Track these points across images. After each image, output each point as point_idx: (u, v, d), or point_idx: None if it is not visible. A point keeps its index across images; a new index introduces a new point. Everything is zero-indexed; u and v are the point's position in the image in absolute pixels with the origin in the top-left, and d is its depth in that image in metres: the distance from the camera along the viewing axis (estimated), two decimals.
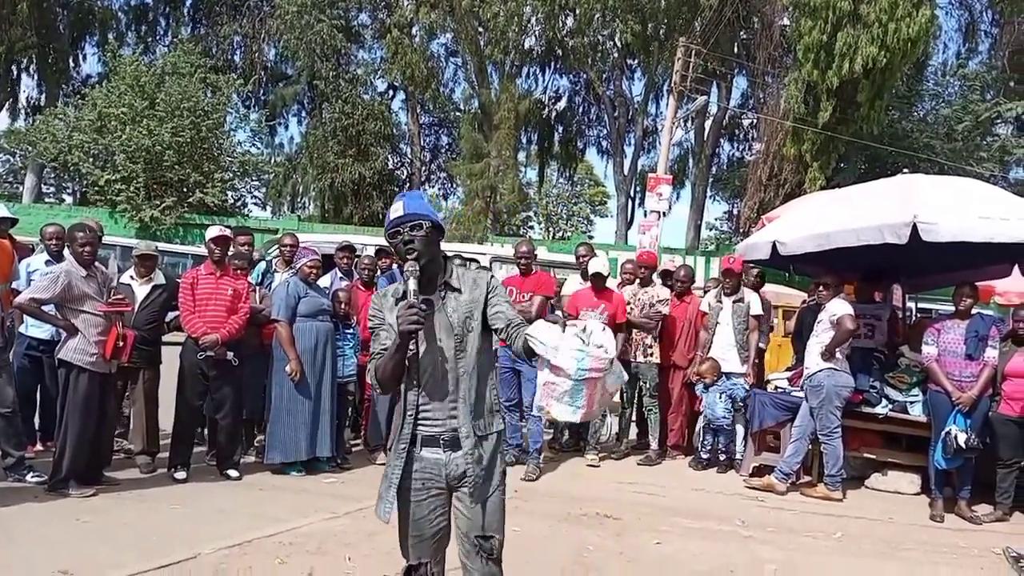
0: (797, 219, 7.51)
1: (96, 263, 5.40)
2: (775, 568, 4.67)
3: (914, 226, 5.96)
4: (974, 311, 6.16)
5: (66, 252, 5.70)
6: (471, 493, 2.59)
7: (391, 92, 29.20)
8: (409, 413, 2.58)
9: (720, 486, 6.74)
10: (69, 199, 29.05)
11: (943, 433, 5.93)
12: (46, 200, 27.05)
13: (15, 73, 23.93)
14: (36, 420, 6.33)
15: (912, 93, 24.36)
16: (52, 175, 26.57)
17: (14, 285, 5.55)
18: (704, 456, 7.30)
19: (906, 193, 6.54)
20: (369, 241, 9.21)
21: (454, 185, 30.96)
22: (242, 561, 4.15)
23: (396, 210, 2.62)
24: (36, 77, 24.97)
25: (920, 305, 13.15)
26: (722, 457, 7.30)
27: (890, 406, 6.79)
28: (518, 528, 5.11)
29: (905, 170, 8.05)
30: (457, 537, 2.66)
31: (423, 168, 29.86)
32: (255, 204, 25.54)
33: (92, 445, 5.23)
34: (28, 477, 5.44)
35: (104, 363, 5.30)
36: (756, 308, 7.30)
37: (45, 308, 5.25)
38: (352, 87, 25.89)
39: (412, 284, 2.50)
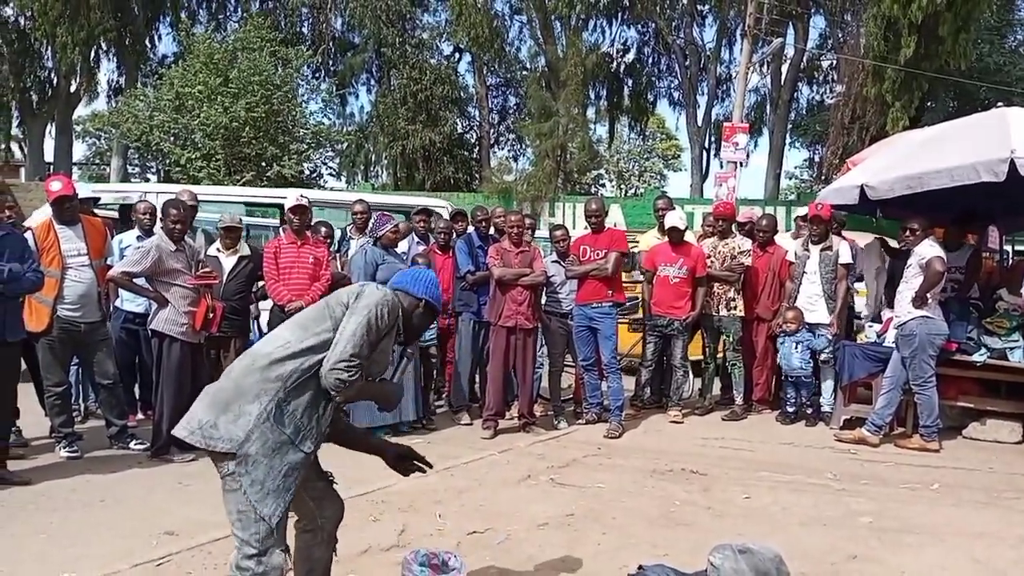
0: (886, 161, 7.21)
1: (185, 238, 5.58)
2: (870, 520, 4.57)
3: (1011, 162, 5.67)
4: None
5: (157, 227, 5.90)
6: None
7: (457, 55, 29.05)
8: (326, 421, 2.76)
9: (809, 440, 6.60)
10: (154, 178, 30.03)
11: None
12: (132, 180, 28.02)
13: (95, 57, 24.65)
14: (136, 390, 6.62)
15: (1003, 23, 22.92)
16: (136, 155, 27.47)
17: (108, 261, 5.77)
18: (791, 409, 7.15)
19: (1001, 128, 6.21)
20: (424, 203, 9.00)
21: (523, 146, 30.73)
22: None
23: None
24: (115, 60, 25.74)
25: (1017, 247, 12.51)
26: (809, 410, 7.14)
27: (988, 354, 6.51)
28: (603, 485, 5.15)
29: (999, 104, 7.62)
30: (304, 487, 2.80)
31: (491, 131, 29.70)
32: (330, 174, 25.96)
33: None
34: (132, 445, 5.72)
35: (194, 333, 5.50)
36: (845, 256, 7.05)
37: (137, 281, 5.47)
38: (418, 52, 25.89)
39: (405, 367, 3.09)
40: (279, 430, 2.52)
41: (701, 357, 7.78)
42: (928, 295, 6.03)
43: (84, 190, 6.80)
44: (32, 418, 5.83)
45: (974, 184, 5.99)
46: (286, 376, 2.56)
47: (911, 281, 6.17)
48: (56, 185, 5.41)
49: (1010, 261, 10.10)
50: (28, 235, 5.24)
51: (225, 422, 2.50)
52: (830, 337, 6.98)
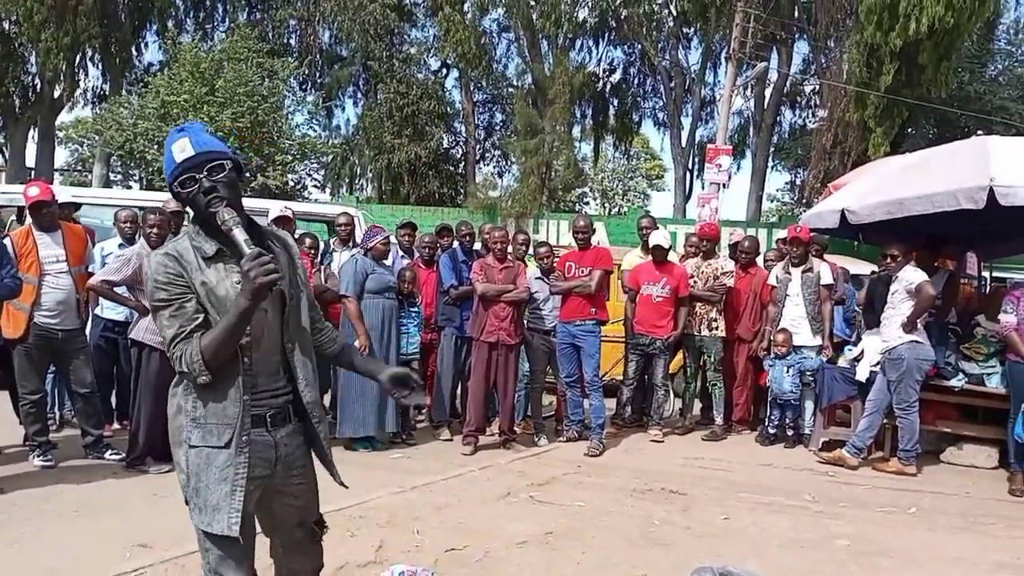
0: (867, 186, 7.29)
1: None
2: (847, 543, 4.58)
3: (990, 190, 5.74)
4: None
5: (139, 235, 5.86)
6: (303, 474, 2.42)
7: (444, 71, 29.12)
8: (245, 397, 2.22)
9: (788, 461, 6.62)
10: (136, 186, 29.84)
11: None
12: (114, 187, 27.82)
13: (80, 63, 24.50)
14: (113, 400, 6.54)
15: (983, 53, 23.30)
16: (119, 163, 27.32)
17: (89, 268, 5.71)
18: (771, 431, 7.18)
19: (981, 156, 6.29)
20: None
21: (509, 163, 30.81)
22: None
23: (182, 149, 2.14)
24: (100, 67, 25.60)
25: (995, 274, 12.64)
26: (790, 432, 7.17)
27: (966, 379, 6.57)
28: (583, 503, 5.13)
29: (979, 132, 7.73)
30: (279, 528, 2.47)
31: (477, 146, 29.77)
32: (315, 186, 25.94)
33: (165, 422, 5.37)
34: (107, 455, 5.64)
35: None
36: (826, 277, 7.11)
37: (117, 290, 5.41)
38: (406, 67, 25.95)
39: (241, 233, 2.11)
40: (203, 450, 2.25)
41: (682, 376, 7.79)
42: (917, 320, 6.09)
43: (64, 195, 6.75)
44: (6, 426, 5.74)
45: (954, 211, 6.06)
46: (182, 404, 2.30)
47: (899, 307, 6.21)
48: (34, 191, 5.35)
49: (988, 287, 10.20)
50: (7, 241, 5.19)
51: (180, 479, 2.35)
52: (824, 359, 7.02)
